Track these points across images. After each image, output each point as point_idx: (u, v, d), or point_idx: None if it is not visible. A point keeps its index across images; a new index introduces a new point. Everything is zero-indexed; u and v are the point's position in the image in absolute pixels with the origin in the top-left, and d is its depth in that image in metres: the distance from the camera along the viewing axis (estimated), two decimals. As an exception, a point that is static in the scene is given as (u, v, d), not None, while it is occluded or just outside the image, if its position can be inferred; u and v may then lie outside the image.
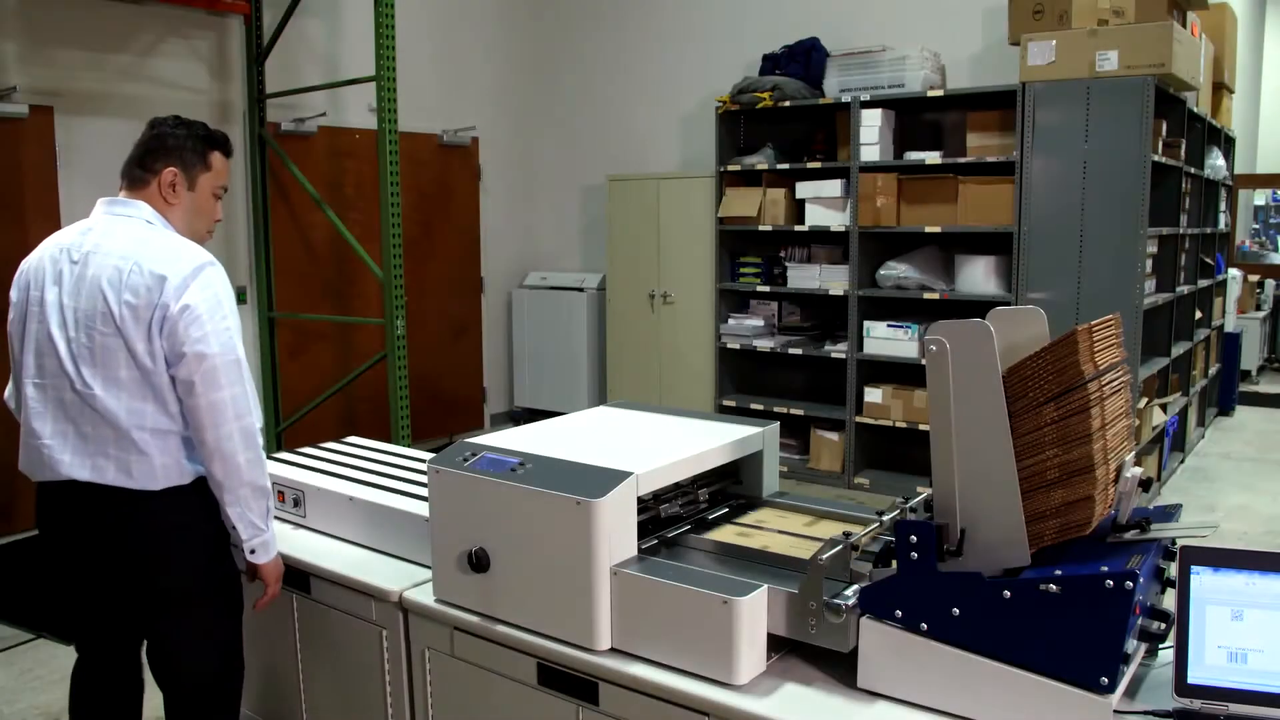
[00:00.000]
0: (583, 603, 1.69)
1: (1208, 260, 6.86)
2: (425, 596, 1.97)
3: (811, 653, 1.65)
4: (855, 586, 1.56)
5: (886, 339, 5.59)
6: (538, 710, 1.81)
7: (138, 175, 2.17)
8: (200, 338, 1.99)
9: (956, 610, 1.45)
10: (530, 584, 1.76)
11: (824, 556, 1.56)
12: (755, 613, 1.57)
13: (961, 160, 5.32)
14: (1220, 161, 6.74)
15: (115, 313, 2.00)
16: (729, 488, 2.15)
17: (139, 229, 2.10)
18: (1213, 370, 7.46)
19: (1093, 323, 1.49)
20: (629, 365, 6.86)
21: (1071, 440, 1.43)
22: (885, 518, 1.72)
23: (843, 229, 5.70)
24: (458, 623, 1.89)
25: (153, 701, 3.25)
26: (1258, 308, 9.82)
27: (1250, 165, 10.28)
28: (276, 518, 2.41)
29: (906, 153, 5.59)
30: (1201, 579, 1.45)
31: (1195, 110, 5.75)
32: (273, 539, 2.15)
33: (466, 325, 7.39)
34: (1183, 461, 6.32)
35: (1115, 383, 1.52)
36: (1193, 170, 5.90)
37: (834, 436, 5.91)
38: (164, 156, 2.16)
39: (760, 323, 6.18)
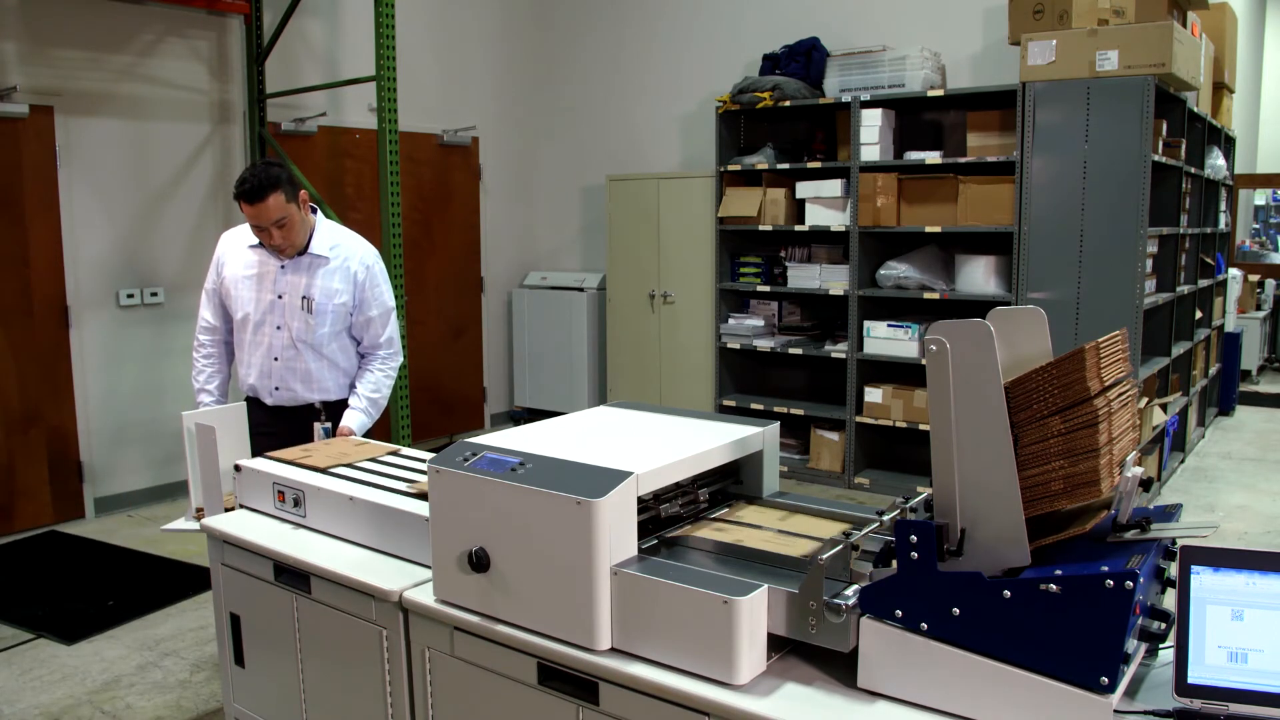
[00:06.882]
0: (583, 602, 1.69)
1: (1208, 260, 6.86)
2: (425, 596, 1.96)
3: (811, 653, 1.64)
4: (855, 586, 1.56)
5: (886, 339, 5.59)
6: (538, 710, 1.80)
7: None
8: None
9: (956, 610, 1.45)
10: (530, 584, 1.76)
11: (824, 556, 1.56)
12: (755, 612, 1.57)
13: (961, 160, 5.32)
14: (1220, 161, 6.74)
15: None
16: (729, 488, 2.15)
17: None
18: (1213, 370, 7.46)
19: (1100, 340, 1.48)
20: (629, 365, 6.86)
21: (1078, 454, 1.42)
22: (885, 518, 1.72)
23: (843, 229, 5.70)
24: (458, 622, 1.89)
25: (147, 697, 3.25)
26: (1258, 307, 9.82)
27: (1250, 165, 10.28)
28: (276, 517, 2.48)
29: (906, 153, 5.58)
30: (1201, 579, 1.45)
31: (1195, 110, 5.75)
32: None
33: (466, 325, 7.39)
34: (1183, 461, 6.32)
35: (1123, 397, 1.52)
36: (1193, 170, 5.90)
37: (834, 436, 5.91)
38: None
39: (760, 322, 6.18)
